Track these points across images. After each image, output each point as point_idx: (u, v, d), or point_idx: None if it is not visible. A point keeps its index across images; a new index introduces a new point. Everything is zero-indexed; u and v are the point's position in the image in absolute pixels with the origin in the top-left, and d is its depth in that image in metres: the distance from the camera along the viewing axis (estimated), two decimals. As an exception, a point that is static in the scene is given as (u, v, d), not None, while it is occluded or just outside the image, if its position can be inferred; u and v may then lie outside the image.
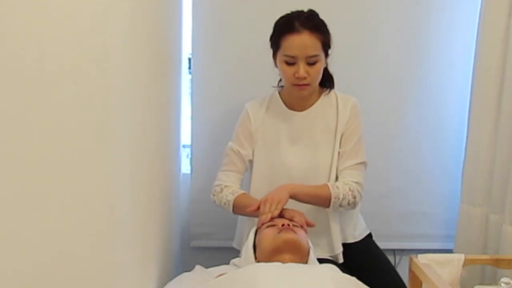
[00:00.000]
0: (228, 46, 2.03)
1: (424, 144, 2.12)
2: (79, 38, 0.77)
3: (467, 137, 2.00)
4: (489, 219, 1.94)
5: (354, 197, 1.56)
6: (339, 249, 1.64)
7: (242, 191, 1.62)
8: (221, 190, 1.63)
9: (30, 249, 0.63)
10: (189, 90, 2.08)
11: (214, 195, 1.66)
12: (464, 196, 2.02)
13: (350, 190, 1.56)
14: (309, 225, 1.48)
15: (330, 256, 1.64)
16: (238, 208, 1.59)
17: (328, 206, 1.55)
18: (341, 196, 1.54)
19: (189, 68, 2.07)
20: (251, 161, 1.68)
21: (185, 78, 2.06)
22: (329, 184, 1.56)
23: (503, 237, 1.84)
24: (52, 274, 0.70)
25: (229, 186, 1.63)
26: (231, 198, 1.59)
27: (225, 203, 1.61)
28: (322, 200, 1.55)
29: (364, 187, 1.61)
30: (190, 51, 2.04)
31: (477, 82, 1.94)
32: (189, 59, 2.06)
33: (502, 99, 1.88)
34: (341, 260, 1.64)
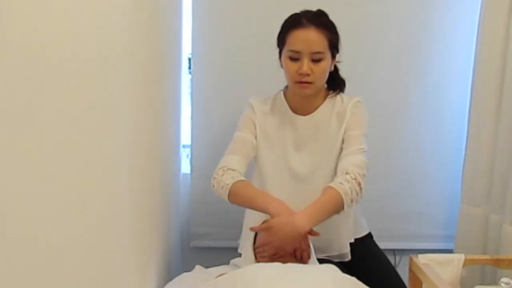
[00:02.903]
0: (228, 46, 2.03)
1: (424, 144, 2.12)
2: (79, 38, 0.77)
3: (467, 137, 2.00)
4: (489, 219, 1.94)
5: (359, 184, 1.44)
6: (347, 248, 1.63)
7: (243, 178, 1.50)
8: (223, 173, 1.50)
9: (29, 249, 0.63)
10: (189, 90, 2.08)
11: (215, 178, 1.52)
12: (464, 196, 2.02)
13: (352, 178, 1.43)
14: (312, 234, 1.42)
15: (338, 255, 1.63)
16: (237, 197, 1.46)
17: (343, 208, 1.42)
18: (348, 190, 1.41)
19: (189, 68, 2.07)
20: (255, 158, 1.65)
21: (185, 78, 2.06)
22: (332, 185, 1.43)
23: (503, 237, 1.84)
24: (52, 274, 0.70)
25: (233, 169, 1.51)
26: (230, 182, 1.46)
27: (222, 187, 1.47)
28: (336, 207, 1.42)
29: (364, 167, 1.49)
30: (190, 51, 2.04)
31: (477, 82, 1.94)
32: (189, 59, 2.06)
33: (502, 99, 1.88)
34: (348, 258, 1.63)
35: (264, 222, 1.43)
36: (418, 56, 2.07)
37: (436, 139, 2.12)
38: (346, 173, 1.45)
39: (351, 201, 1.42)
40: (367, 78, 2.05)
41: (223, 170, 1.51)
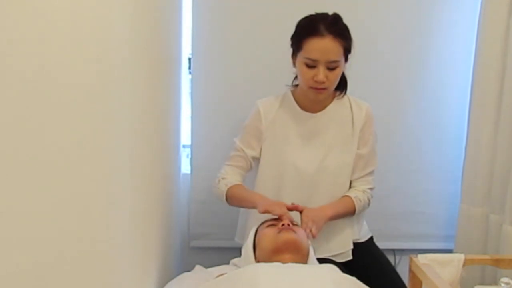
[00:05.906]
0: (228, 46, 2.03)
1: (424, 144, 2.13)
2: (79, 39, 0.77)
3: (467, 137, 2.00)
4: (489, 219, 1.94)
5: (369, 201, 1.68)
6: (350, 246, 1.66)
7: (237, 182, 1.63)
8: (218, 182, 1.65)
9: (28, 249, 0.63)
10: (189, 90, 2.08)
11: (213, 187, 1.68)
12: (464, 196, 2.02)
13: (368, 199, 1.67)
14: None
15: (341, 253, 1.65)
16: (233, 199, 1.62)
17: (354, 213, 1.65)
18: (361, 208, 1.65)
19: (189, 68, 2.07)
20: (257, 159, 1.68)
21: (185, 78, 2.06)
22: (352, 197, 1.63)
23: (503, 237, 1.84)
24: (52, 274, 0.70)
25: (226, 178, 1.65)
26: (224, 189, 1.62)
27: (220, 194, 1.64)
28: (348, 215, 1.65)
29: (373, 186, 1.70)
30: (190, 51, 2.04)
31: (477, 82, 1.94)
32: (189, 59, 2.06)
33: (502, 99, 1.88)
34: (350, 257, 1.65)
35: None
36: (419, 56, 2.07)
37: (436, 139, 2.12)
38: (364, 192, 1.66)
39: (362, 209, 1.66)
40: (367, 78, 2.05)
41: (219, 180, 1.66)
